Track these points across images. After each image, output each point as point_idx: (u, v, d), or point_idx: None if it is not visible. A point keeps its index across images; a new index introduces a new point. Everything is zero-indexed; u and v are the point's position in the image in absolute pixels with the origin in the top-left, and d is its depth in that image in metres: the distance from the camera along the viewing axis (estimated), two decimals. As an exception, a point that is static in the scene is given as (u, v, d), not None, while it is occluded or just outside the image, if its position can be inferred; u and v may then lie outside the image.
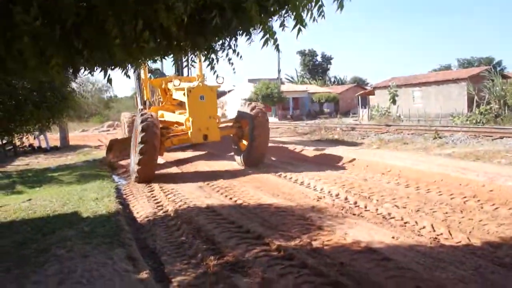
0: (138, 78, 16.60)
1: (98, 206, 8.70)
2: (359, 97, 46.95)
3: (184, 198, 9.27)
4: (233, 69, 4.76)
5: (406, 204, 7.65)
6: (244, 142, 13.48)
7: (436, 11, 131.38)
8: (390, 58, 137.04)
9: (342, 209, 7.58)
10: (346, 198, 8.36)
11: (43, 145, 22.69)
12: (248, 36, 4.16)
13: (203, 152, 17.23)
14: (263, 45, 3.74)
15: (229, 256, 5.59)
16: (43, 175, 13.65)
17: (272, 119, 47.43)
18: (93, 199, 9.30)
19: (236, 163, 13.80)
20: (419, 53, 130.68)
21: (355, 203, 7.97)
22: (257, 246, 5.92)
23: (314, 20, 3.65)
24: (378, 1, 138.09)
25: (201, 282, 5.02)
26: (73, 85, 8.30)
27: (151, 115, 11.99)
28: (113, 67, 4.42)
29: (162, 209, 8.67)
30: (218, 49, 4.50)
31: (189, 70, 15.27)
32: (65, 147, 23.27)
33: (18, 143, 21.59)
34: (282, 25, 3.90)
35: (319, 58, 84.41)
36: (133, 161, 12.29)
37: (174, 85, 13.61)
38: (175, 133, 13.18)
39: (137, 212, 8.68)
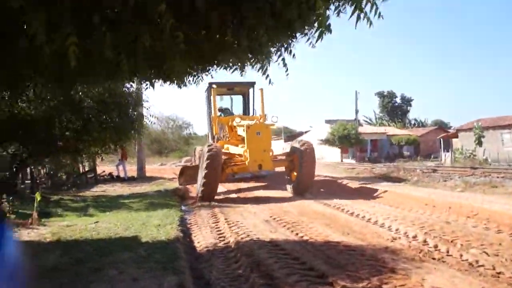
0: (209, 116, 19.06)
1: (159, 232, 8.51)
2: (441, 139, 44.60)
3: (248, 231, 8.81)
4: (287, 73, 4.39)
5: (498, 251, 6.61)
6: (295, 173, 15.21)
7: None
8: (474, 100, 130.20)
9: (419, 252, 6.71)
10: (425, 241, 7.45)
11: (121, 174, 23.50)
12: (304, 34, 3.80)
13: (263, 184, 18.60)
14: (318, 38, 3.32)
15: (286, 293, 4.98)
16: (115, 201, 13.90)
17: (349, 161, 46.25)
18: (155, 226, 9.15)
19: (287, 191, 15.58)
20: (508, 93, 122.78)
21: (436, 246, 7.05)
22: (319, 285, 5.28)
23: (378, 15, 3.18)
24: (458, 41, 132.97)
25: (252, 319, 4.47)
26: (144, 111, 8.25)
27: (216, 146, 14.32)
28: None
29: (223, 240, 8.26)
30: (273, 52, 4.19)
31: (254, 111, 18.53)
32: (141, 177, 23.93)
33: (98, 171, 22.68)
34: (338, 12, 3.46)
35: (398, 100, 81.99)
36: (199, 184, 14.43)
37: (236, 122, 15.96)
38: (235, 163, 15.36)
39: (198, 242, 8.34)
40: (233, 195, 15.19)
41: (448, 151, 38.11)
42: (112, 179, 22.84)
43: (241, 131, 15.84)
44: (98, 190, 18.64)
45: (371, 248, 7.10)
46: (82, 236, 8.30)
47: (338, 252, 6.84)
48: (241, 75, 5.04)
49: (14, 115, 6.53)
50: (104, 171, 25.23)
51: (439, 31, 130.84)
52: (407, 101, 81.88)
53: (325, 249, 7.11)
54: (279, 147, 74.50)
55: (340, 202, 12.61)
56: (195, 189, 15.61)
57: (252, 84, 18.84)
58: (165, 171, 30.44)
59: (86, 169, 21.95)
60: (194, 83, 5.33)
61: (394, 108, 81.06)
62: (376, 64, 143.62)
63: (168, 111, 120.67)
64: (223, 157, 14.89)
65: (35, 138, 6.68)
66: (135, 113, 7.74)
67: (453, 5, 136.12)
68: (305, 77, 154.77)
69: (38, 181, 15.03)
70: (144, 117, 9.17)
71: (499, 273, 5.61)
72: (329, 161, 40.86)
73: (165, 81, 5.01)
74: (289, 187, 15.53)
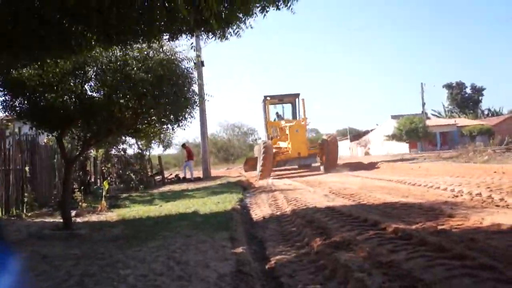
0: (265, 121, 24.43)
1: (218, 207, 8.70)
2: (519, 126, 41.76)
3: (306, 203, 8.75)
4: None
5: None
6: (324, 157, 21.36)
7: None
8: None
9: (482, 203, 6.37)
10: (489, 196, 7.03)
11: (188, 176, 24.09)
12: None
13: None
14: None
15: (336, 237, 4.90)
16: (180, 193, 14.32)
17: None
18: (214, 203, 9.36)
19: (321, 171, 21.27)
20: None
21: (502, 199, 6.62)
22: (371, 231, 5.14)
23: None
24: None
25: (299, 260, 4.44)
26: (195, 87, 8.45)
27: (268, 142, 21.05)
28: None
29: (280, 211, 8.26)
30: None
31: (299, 115, 23.74)
32: (206, 177, 24.37)
33: (166, 174, 23.46)
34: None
35: (468, 90, 77.67)
36: (258, 169, 20.39)
37: (282, 124, 22.83)
38: (282, 152, 21.50)
39: (255, 214, 8.41)
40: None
41: (527, 138, 35.62)
42: (179, 180, 23.47)
43: (287, 130, 21.49)
44: (165, 189, 19.28)
45: (429, 203, 6.83)
46: (145, 216, 8.62)
47: (395, 208, 6.65)
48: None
49: (79, 99, 6.93)
50: (171, 174, 26.05)
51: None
52: (478, 91, 77.41)
53: (381, 207, 6.93)
54: (345, 146, 73.71)
55: (401, 178, 12.21)
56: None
57: (297, 95, 24.09)
58: (229, 172, 30.89)
59: (154, 172, 22.77)
60: (235, 34, 5.39)
61: (464, 100, 76.84)
62: (442, 53, 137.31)
63: (234, 119, 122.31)
64: (274, 150, 20.53)
65: (97, 118, 7.02)
66: (191, 90, 7.92)
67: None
68: (368, 74, 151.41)
69: (109, 179, 15.89)
70: (200, 95, 9.31)
71: None
72: (396, 153, 39.51)
73: (207, 32, 5.13)
74: (321, 167, 21.72)
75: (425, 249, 3.99)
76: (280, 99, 25.00)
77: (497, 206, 6.03)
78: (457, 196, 7.35)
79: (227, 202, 9.44)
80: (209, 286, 3.44)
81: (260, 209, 8.93)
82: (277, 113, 25.49)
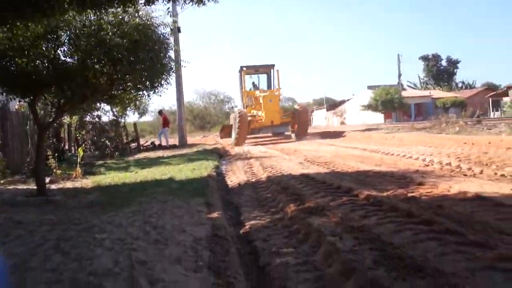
0: (241, 91, 25.70)
1: (194, 174, 8.72)
2: (490, 99, 42.68)
3: (281, 170, 8.86)
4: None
5: (535, 168, 6.36)
6: (296, 125, 23.24)
7: None
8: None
9: (451, 172, 6.58)
10: (458, 166, 7.25)
11: (164, 143, 23.96)
12: None
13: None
14: None
15: (310, 203, 5.01)
16: (156, 160, 14.26)
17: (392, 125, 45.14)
18: (190, 170, 9.39)
19: (292, 138, 23.00)
20: None
21: (469, 168, 6.85)
22: (344, 197, 5.27)
23: None
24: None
25: (274, 225, 4.54)
26: (171, 53, 8.32)
27: (243, 111, 22.73)
28: None
29: (256, 178, 8.35)
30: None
31: (274, 85, 24.90)
32: (182, 145, 24.27)
33: (141, 141, 23.28)
34: None
35: (444, 63, 78.46)
36: (233, 136, 21.77)
37: (257, 94, 24.34)
38: (256, 120, 22.94)
39: (231, 181, 8.49)
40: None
41: (498, 111, 36.45)
42: (154, 147, 23.32)
43: (261, 99, 23.11)
44: (141, 156, 19.16)
45: (401, 172, 7.02)
46: (121, 182, 8.59)
47: (368, 176, 6.81)
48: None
49: (52, 64, 6.75)
50: (146, 141, 25.86)
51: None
52: (453, 63, 78.22)
53: (355, 175, 7.08)
54: (322, 116, 74.14)
55: (375, 147, 12.43)
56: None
57: (272, 66, 25.39)
58: (206, 140, 30.83)
59: (129, 139, 22.55)
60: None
61: (440, 72, 77.65)
62: (419, 25, 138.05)
63: (210, 87, 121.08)
64: (249, 118, 22.08)
65: (71, 84, 6.86)
66: (167, 56, 7.80)
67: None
68: (346, 44, 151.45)
69: (83, 146, 15.69)
70: (176, 62, 9.19)
71: (533, 180, 5.43)
72: (371, 123, 40.03)
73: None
74: (293, 135, 23.54)
75: (395, 215, 4.13)
76: (256, 69, 26.25)
77: (465, 175, 6.24)
78: (427, 165, 7.56)
79: (203, 169, 9.48)
80: (186, 249, 3.51)
81: (235, 176, 9.01)
82: (253, 83, 26.80)
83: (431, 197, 4.80)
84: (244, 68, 25.04)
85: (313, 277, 2.93)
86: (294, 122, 23.34)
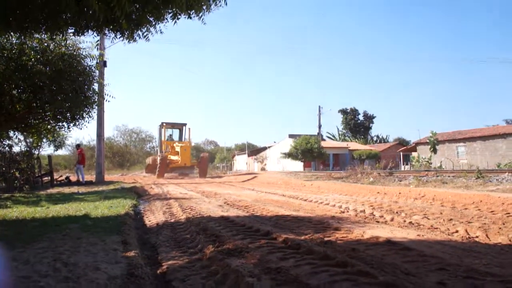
0: (160, 140, 37.31)
1: (110, 211, 8.41)
2: (401, 153, 45.72)
3: (201, 212, 8.80)
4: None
5: (438, 217, 6.88)
6: (199, 168, 34.97)
7: (483, 70, 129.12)
8: (435, 118, 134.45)
9: (365, 218, 6.91)
10: (371, 213, 7.65)
11: (80, 179, 22.97)
12: None
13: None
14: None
15: (229, 245, 5.01)
16: (70, 196, 13.55)
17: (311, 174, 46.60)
18: (107, 207, 9.04)
19: (198, 177, 32.58)
20: (466, 112, 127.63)
21: (381, 216, 7.25)
22: (262, 240, 5.34)
23: None
24: (422, 63, 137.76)
25: (192, 265, 4.48)
26: (96, 86, 8.14)
27: (165, 155, 33.47)
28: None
29: (175, 218, 8.21)
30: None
31: (184, 138, 36.96)
32: (100, 182, 23.38)
33: (55, 176, 22.07)
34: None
35: (361, 117, 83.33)
36: (156, 171, 32.16)
37: (175, 145, 35.47)
38: (173, 162, 33.95)
39: (149, 220, 8.26)
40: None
41: (408, 164, 39.03)
42: (69, 182, 22.21)
43: (178, 149, 34.49)
44: (54, 191, 18.15)
45: (319, 217, 7.24)
46: (30, 217, 8.06)
47: (286, 220, 6.94)
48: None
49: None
50: (61, 175, 24.63)
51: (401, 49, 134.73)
52: (369, 118, 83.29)
53: (274, 219, 7.19)
54: (243, 161, 74.84)
55: (294, 193, 12.75)
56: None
57: (184, 124, 37.32)
58: (124, 178, 29.93)
59: (42, 172, 21.33)
60: (144, 37, 5.33)
61: (357, 125, 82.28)
62: (339, 81, 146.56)
63: (132, 124, 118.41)
64: (168, 160, 33.36)
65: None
66: (92, 88, 7.60)
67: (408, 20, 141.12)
68: (270, 94, 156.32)
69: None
70: (100, 95, 8.96)
71: (436, 228, 5.86)
72: (291, 170, 41.08)
73: (115, 31, 5.00)
74: (198, 175, 34.72)
75: (312, 257, 4.24)
76: (172, 125, 37.67)
77: (378, 222, 6.58)
78: (343, 212, 7.87)
79: (120, 207, 9.16)
80: (98, 288, 3.35)
81: (154, 216, 8.78)
82: (170, 135, 38.10)
83: (346, 241, 5.00)
84: (164, 124, 36.47)
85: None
86: (199, 165, 35.12)
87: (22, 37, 5.87)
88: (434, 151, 33.81)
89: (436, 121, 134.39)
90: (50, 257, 4.34)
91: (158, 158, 32.93)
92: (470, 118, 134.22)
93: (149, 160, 40.37)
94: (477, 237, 5.21)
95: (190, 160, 34.51)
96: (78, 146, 25.03)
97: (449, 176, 17.37)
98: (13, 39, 6.15)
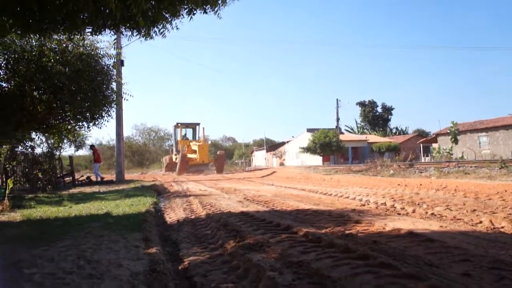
0: (175, 140, 41.07)
1: (131, 209, 8.48)
2: (421, 145, 45.11)
3: (220, 208, 8.83)
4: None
5: (460, 208, 6.77)
6: (216, 164, 37.05)
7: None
8: (455, 108, 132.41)
9: (386, 211, 6.84)
10: (393, 205, 7.58)
11: (99, 178, 23.26)
12: None
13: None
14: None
15: (250, 239, 5.01)
16: (91, 196, 13.75)
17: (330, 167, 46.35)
18: (128, 205, 9.13)
19: (215, 173, 34.50)
20: (488, 101, 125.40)
21: (402, 208, 7.18)
22: (283, 234, 5.33)
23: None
24: (443, 52, 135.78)
25: (213, 261, 4.49)
26: (114, 85, 8.19)
27: (185, 153, 35.23)
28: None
29: (195, 215, 8.25)
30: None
31: (199, 137, 39.84)
32: (120, 181, 23.64)
33: (76, 176, 22.38)
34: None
35: (379, 109, 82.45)
36: (177, 169, 34.68)
37: (191, 144, 37.71)
38: (191, 160, 35.56)
39: (170, 217, 8.33)
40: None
41: (428, 156, 38.52)
42: (90, 182, 22.52)
43: (195, 147, 36.52)
44: (76, 191, 18.41)
45: (339, 211, 7.20)
46: (53, 216, 8.19)
47: (307, 215, 6.92)
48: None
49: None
50: (82, 175, 24.98)
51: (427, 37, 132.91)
52: (388, 110, 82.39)
53: (294, 213, 7.18)
54: (262, 156, 74.83)
55: (313, 187, 12.70)
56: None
57: (198, 124, 40.58)
58: (144, 177, 30.23)
59: (64, 172, 21.65)
60: (160, 34, 5.35)
61: (375, 117, 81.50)
62: (358, 73, 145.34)
63: (151, 123, 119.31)
64: (187, 158, 35.01)
65: (6, 110, 6.57)
66: (110, 87, 7.67)
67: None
68: (288, 88, 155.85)
69: (13, 178, 14.83)
70: (118, 94, 9.04)
71: (459, 219, 5.77)
72: (310, 164, 40.97)
73: (132, 29, 5.04)
74: (215, 171, 36.19)
75: (333, 250, 4.21)
76: (186, 125, 40.94)
77: (399, 214, 6.51)
78: (364, 205, 7.81)
79: (141, 204, 9.25)
80: (122, 284, 3.38)
81: (174, 213, 8.86)
82: (185, 134, 41.05)
83: (367, 234, 4.96)
84: (179, 124, 39.98)
85: (253, 311, 2.92)
86: (216, 162, 37.23)
87: (42, 38, 5.95)
88: (455, 141, 33.33)
89: (456, 111, 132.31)
90: (74, 254, 4.40)
91: (175, 157, 37.22)
92: (492, 107, 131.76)
93: (166, 159, 43.14)
94: (502, 227, 5.12)
95: (208, 157, 36.91)
96: (92, 146, 25.33)
97: (471, 167, 17.10)
98: (33, 41, 6.24)
